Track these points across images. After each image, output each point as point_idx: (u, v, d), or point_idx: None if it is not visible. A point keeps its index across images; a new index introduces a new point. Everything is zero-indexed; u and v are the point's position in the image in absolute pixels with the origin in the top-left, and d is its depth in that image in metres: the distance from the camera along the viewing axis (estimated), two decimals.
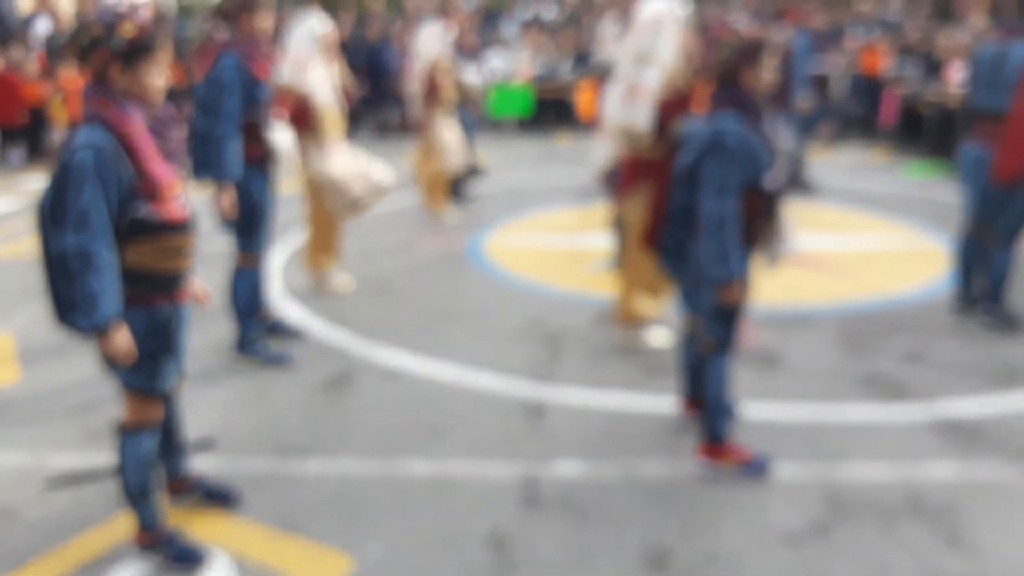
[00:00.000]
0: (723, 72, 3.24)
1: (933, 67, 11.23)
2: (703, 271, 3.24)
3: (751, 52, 3.20)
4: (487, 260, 6.58)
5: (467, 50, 9.31)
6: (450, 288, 5.90)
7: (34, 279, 6.01)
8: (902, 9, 14.64)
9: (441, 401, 4.12)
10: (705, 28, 3.35)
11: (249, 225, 4.47)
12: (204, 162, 4.21)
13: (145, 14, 2.65)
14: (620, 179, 4.62)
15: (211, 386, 4.30)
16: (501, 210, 8.20)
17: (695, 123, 3.38)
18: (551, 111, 13.99)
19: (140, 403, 2.80)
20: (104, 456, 3.55)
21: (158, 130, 2.69)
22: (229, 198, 4.25)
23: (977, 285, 5.10)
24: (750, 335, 4.63)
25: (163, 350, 2.77)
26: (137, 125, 2.62)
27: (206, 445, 3.68)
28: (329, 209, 5.53)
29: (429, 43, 7.48)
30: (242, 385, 4.34)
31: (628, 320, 4.71)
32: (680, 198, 3.35)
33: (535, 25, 14.93)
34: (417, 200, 8.12)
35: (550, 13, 15.89)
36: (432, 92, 7.43)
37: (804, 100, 8.44)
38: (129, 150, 2.59)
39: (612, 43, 6.08)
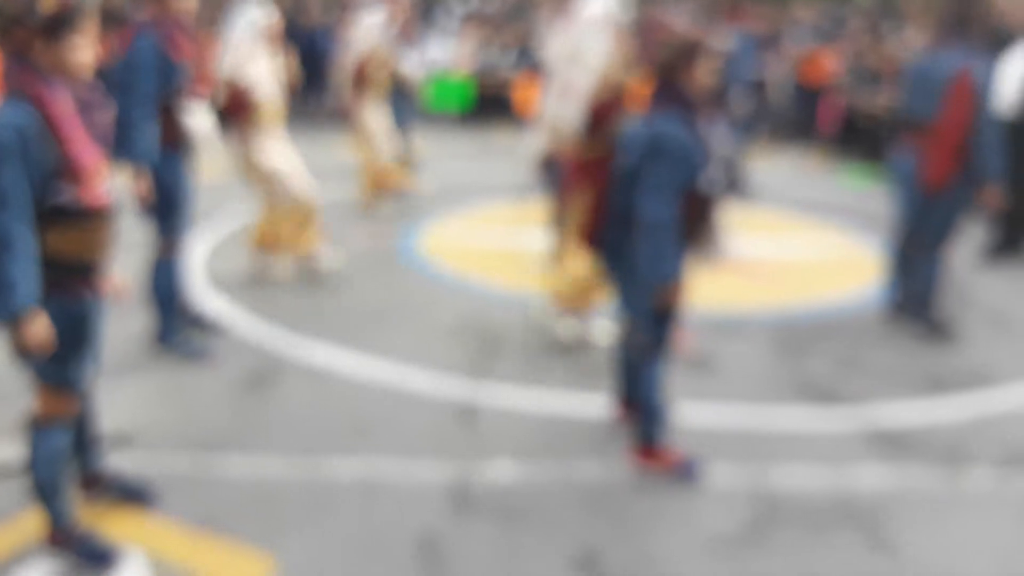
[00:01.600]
0: (662, 72, 3.29)
1: (871, 77, 11.57)
2: (639, 272, 3.29)
3: (689, 52, 3.25)
4: (421, 256, 6.56)
5: (407, 39, 9.26)
6: (383, 283, 5.86)
7: None
8: (841, 18, 15.02)
9: (370, 400, 4.09)
10: (645, 28, 3.39)
11: (165, 210, 4.36)
12: (119, 145, 4.10)
13: None
14: (565, 179, 4.66)
15: (128, 379, 4.20)
16: (436, 204, 8.17)
17: (634, 123, 3.42)
18: (491, 105, 13.98)
19: (53, 396, 2.72)
20: (13, 450, 3.44)
21: (84, 110, 2.61)
22: (145, 182, 4.14)
23: (906, 293, 5.27)
24: (685, 339, 4.70)
25: (79, 342, 2.70)
26: (62, 104, 2.54)
27: (122, 440, 3.58)
28: (275, 199, 5.50)
29: (368, 32, 7.43)
30: (161, 379, 4.25)
31: (569, 317, 4.74)
32: (620, 198, 3.38)
33: (477, 17, 14.91)
34: (349, 192, 8.04)
35: (492, 5, 15.89)
36: (360, 81, 7.38)
37: (740, 102, 8.62)
38: (53, 130, 2.51)
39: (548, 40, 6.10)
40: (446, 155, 11.01)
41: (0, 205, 2.41)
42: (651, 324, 3.38)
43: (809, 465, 3.59)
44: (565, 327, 4.82)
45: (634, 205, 3.29)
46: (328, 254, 5.93)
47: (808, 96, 12.29)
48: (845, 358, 4.75)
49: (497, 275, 6.09)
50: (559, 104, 4.41)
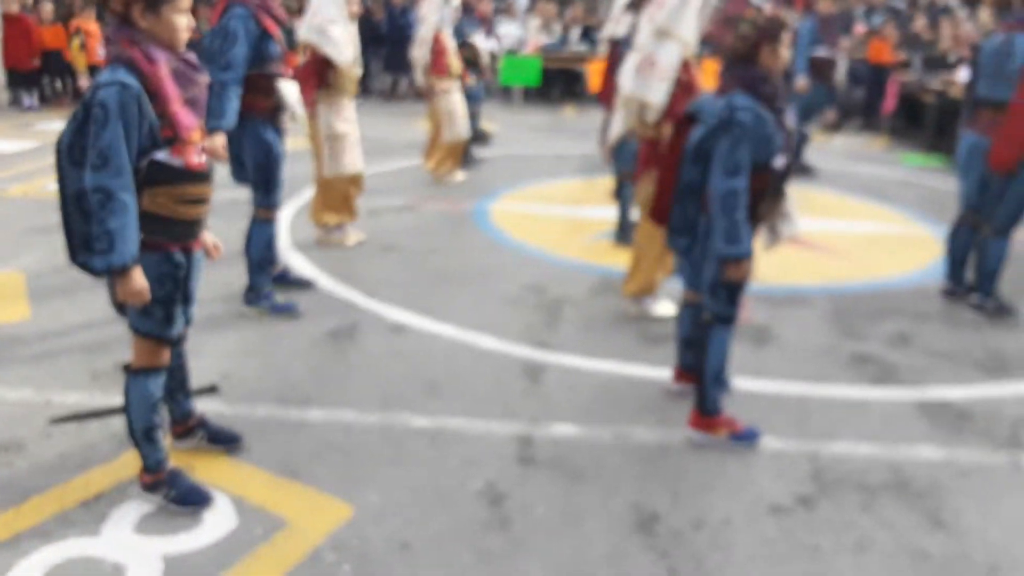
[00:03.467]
0: (741, 50, 3.14)
1: (936, 57, 11.13)
2: (714, 247, 3.20)
3: (772, 30, 3.11)
4: (492, 224, 6.53)
5: (479, 16, 9.18)
6: (454, 250, 5.86)
7: (44, 218, 5.97)
8: None
9: (442, 358, 4.09)
10: (727, 6, 3.25)
11: (267, 178, 4.39)
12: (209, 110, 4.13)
13: None
14: (639, 157, 4.56)
15: (218, 333, 4.27)
16: (506, 177, 8.13)
17: (706, 100, 3.31)
18: (559, 81, 13.86)
19: (148, 347, 2.76)
20: (110, 396, 3.53)
21: (182, 75, 2.61)
22: (221, 141, 4.09)
23: (969, 273, 5.06)
24: (744, 311, 4.60)
25: (174, 296, 2.73)
26: (162, 67, 2.54)
27: (211, 390, 3.65)
28: (329, 166, 5.49)
29: (429, 11, 7.38)
30: (248, 333, 4.31)
31: (639, 292, 4.67)
32: (689, 174, 3.29)
33: None
34: (421, 162, 8.05)
35: None
36: (437, 59, 7.33)
37: (802, 81, 8.35)
38: (153, 92, 2.51)
39: (620, 18, 5.96)
40: (516, 130, 10.94)
41: (101, 163, 2.43)
42: (721, 297, 3.29)
43: (865, 439, 3.48)
44: (639, 305, 4.71)
45: (706, 180, 3.20)
46: (354, 231, 5.90)
47: (872, 76, 11.87)
48: (904, 335, 4.59)
49: (563, 246, 6.03)
50: (640, 79, 4.28)
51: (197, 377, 3.57)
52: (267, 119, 4.33)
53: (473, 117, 8.42)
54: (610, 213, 6.62)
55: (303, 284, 4.95)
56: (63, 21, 11.43)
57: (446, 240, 6.08)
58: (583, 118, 12.36)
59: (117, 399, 3.49)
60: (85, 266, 2.61)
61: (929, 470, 3.28)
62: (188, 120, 2.61)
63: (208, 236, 2.90)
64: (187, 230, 2.72)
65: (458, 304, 4.79)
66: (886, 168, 9.35)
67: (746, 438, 3.39)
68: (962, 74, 9.56)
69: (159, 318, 2.72)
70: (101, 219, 2.44)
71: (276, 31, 4.26)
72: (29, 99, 11.58)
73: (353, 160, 5.51)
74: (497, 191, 7.57)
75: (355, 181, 5.64)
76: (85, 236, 2.55)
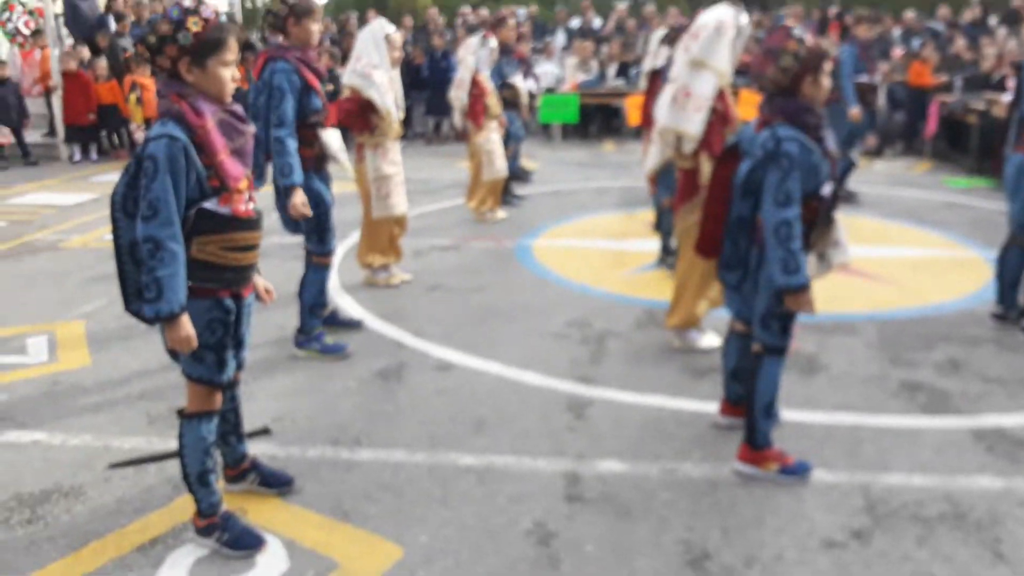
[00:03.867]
0: (783, 81, 3.10)
1: (979, 77, 10.95)
2: (767, 279, 3.15)
3: (814, 61, 3.07)
4: (535, 260, 6.54)
5: (517, 57, 9.30)
6: (498, 287, 5.87)
7: (103, 267, 6.13)
8: (954, 22, 14.26)
9: (488, 396, 4.09)
10: (767, 36, 3.21)
11: (319, 226, 4.46)
12: (275, 169, 4.20)
13: (210, 10, 2.62)
14: (678, 187, 4.55)
15: (270, 375, 4.32)
16: (548, 213, 8.15)
17: (747, 132, 3.29)
18: (597, 117, 13.93)
19: (201, 392, 2.80)
20: (166, 440, 3.58)
21: (228, 126, 2.68)
22: (300, 198, 4.16)
23: (1021, 296, 4.93)
24: (793, 341, 4.52)
25: (224, 342, 2.77)
26: (208, 120, 2.61)
27: (264, 432, 3.69)
28: (377, 208, 5.56)
29: (466, 54, 7.51)
30: (299, 375, 4.36)
31: (682, 324, 4.63)
32: (739, 208, 3.24)
33: (582, 34, 14.84)
34: (464, 202, 8.12)
35: (597, 23, 15.80)
36: (476, 101, 7.43)
37: (855, 110, 8.26)
38: (201, 144, 2.58)
39: (657, 52, 6.02)
40: (557, 166, 10.98)
41: (151, 214, 2.49)
42: (772, 328, 3.24)
43: (920, 470, 3.38)
44: (684, 337, 4.67)
45: (756, 213, 3.17)
46: (399, 271, 5.95)
47: (914, 99, 11.71)
48: (955, 361, 4.47)
49: (606, 280, 6.01)
50: (675, 111, 4.29)
51: (250, 419, 3.61)
52: (313, 168, 4.39)
53: (513, 156, 8.49)
54: (651, 246, 6.59)
55: (352, 325, 5.00)
56: (117, 77, 11.81)
57: (490, 277, 6.10)
58: (622, 152, 12.39)
59: (173, 443, 3.55)
60: (137, 313, 2.68)
61: (987, 501, 3.17)
62: (235, 170, 2.66)
63: (260, 280, 2.95)
64: (237, 276, 2.77)
65: (503, 341, 4.79)
66: (930, 192, 9.19)
67: (797, 472, 3.32)
68: (1007, 94, 9.39)
69: (210, 363, 2.77)
70: (151, 268, 2.50)
71: (317, 84, 4.33)
72: (79, 153, 11.94)
73: (399, 201, 5.58)
74: (540, 227, 7.60)
75: (400, 222, 5.71)
76: (137, 284, 2.62)
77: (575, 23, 15.95)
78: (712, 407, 3.85)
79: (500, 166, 7.67)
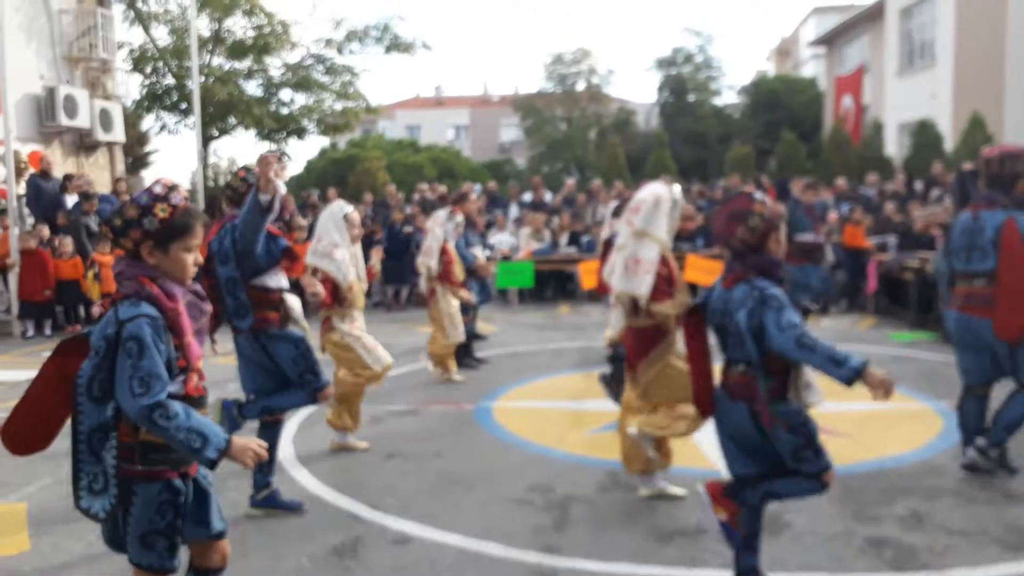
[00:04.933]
0: (752, 241, 3.30)
1: (911, 237, 11.51)
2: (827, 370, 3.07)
3: (776, 221, 3.32)
4: (495, 422, 6.46)
5: (476, 230, 9.71)
6: (458, 452, 5.76)
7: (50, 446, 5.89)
8: (876, 183, 15.14)
9: (448, 571, 3.91)
10: (729, 201, 3.44)
11: (309, 363, 4.62)
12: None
13: (180, 196, 2.66)
14: (630, 349, 4.68)
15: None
16: (507, 375, 8.15)
17: (715, 292, 3.41)
18: (552, 282, 14.30)
19: None
20: None
21: (194, 306, 2.68)
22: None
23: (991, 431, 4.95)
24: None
25: (176, 525, 2.65)
26: (178, 301, 2.61)
27: None
28: (358, 370, 5.65)
29: (435, 225, 7.91)
30: (252, 556, 4.14)
31: (644, 469, 4.68)
32: (743, 353, 3.28)
33: (534, 207, 15.47)
34: (425, 365, 8.12)
35: (548, 196, 16.52)
36: (447, 268, 7.73)
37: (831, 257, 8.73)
38: (171, 327, 2.56)
39: (609, 223, 6.39)
40: (514, 329, 11.09)
41: (144, 390, 2.44)
42: (808, 457, 3.27)
43: None
44: (652, 484, 4.74)
45: (756, 355, 3.21)
46: (356, 440, 5.88)
47: (854, 259, 12.23)
48: (918, 514, 4.43)
49: (567, 440, 5.94)
50: (627, 277, 4.54)
51: None
52: (281, 327, 4.58)
53: (471, 320, 8.67)
54: (611, 405, 6.56)
55: (295, 507, 4.75)
56: (82, 254, 11.87)
57: (450, 442, 5.99)
58: (577, 314, 12.59)
59: None
60: (87, 512, 2.56)
61: None
62: (198, 350, 2.66)
63: (252, 441, 2.71)
64: (185, 455, 2.67)
65: (464, 509, 4.65)
66: (877, 346, 9.41)
67: None
68: (935, 254, 9.87)
69: (160, 549, 2.63)
70: (177, 426, 2.45)
71: (276, 231, 4.57)
72: (32, 329, 11.84)
73: (384, 353, 5.70)
74: (499, 389, 7.57)
75: (378, 377, 5.75)
76: (180, 446, 2.51)
77: (527, 197, 16.62)
78: (680, 573, 3.73)
79: (460, 331, 7.83)
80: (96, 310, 11.20)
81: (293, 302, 4.63)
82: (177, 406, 2.48)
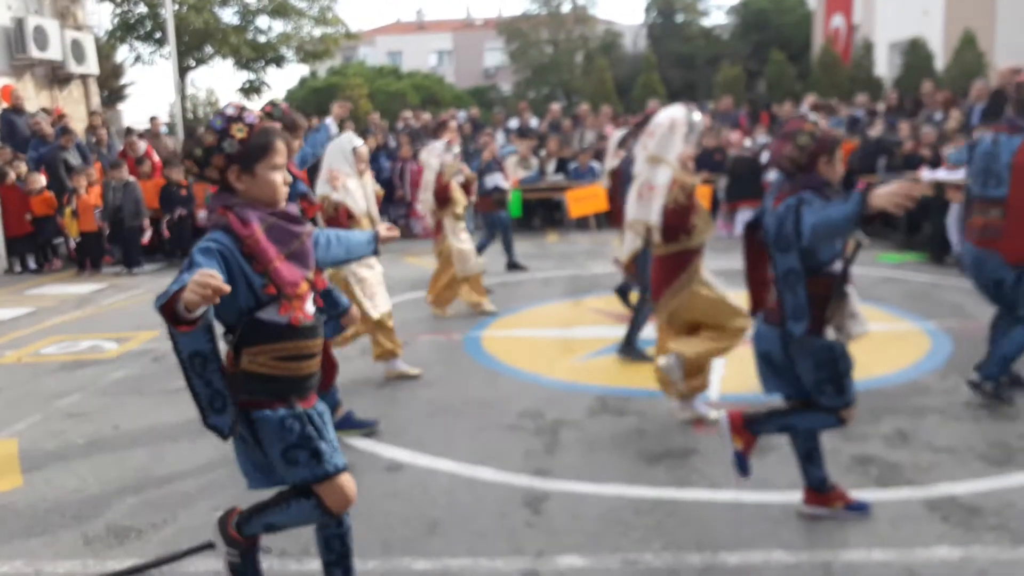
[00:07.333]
0: (800, 159, 3.28)
1: (900, 158, 11.45)
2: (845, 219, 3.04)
3: (829, 143, 3.28)
4: (484, 352, 6.50)
5: (491, 157, 9.55)
6: (448, 381, 5.80)
7: (37, 383, 5.91)
8: (864, 104, 14.99)
9: (441, 495, 3.97)
10: (784, 125, 3.43)
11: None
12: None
13: (253, 116, 2.57)
14: (654, 278, 4.69)
15: (212, 488, 4.15)
16: (496, 304, 8.15)
17: (769, 206, 3.41)
18: (539, 211, 14.22)
19: (325, 488, 2.68)
20: (103, 563, 3.39)
21: (279, 229, 2.58)
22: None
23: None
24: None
25: (307, 433, 2.62)
26: (256, 227, 2.51)
27: (207, 547, 3.51)
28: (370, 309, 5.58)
29: (431, 158, 7.63)
30: (240, 483, 4.18)
31: (684, 393, 4.72)
32: (782, 262, 3.30)
33: (521, 134, 15.24)
34: (417, 296, 8.08)
35: (534, 123, 16.27)
36: (443, 200, 7.52)
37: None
38: (251, 254, 2.49)
39: (615, 153, 6.54)
40: (503, 257, 11.06)
41: (174, 284, 2.30)
42: (828, 391, 3.39)
43: (878, 545, 3.35)
44: (689, 409, 4.78)
45: (803, 262, 3.25)
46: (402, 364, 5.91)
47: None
48: (904, 432, 4.51)
49: (557, 367, 5.99)
50: (640, 204, 4.55)
51: (193, 531, 3.45)
52: None
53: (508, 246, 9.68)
54: (600, 332, 6.62)
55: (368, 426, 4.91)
56: (57, 189, 11.71)
57: (440, 371, 6.03)
58: (565, 243, 12.57)
59: (112, 565, 3.37)
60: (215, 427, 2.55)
61: (947, 571, 3.15)
62: (292, 275, 2.56)
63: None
64: (289, 387, 2.63)
65: (455, 436, 4.70)
66: (866, 268, 9.43)
67: (859, 508, 3.55)
68: (925, 173, 9.82)
69: (305, 460, 2.61)
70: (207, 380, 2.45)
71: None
72: (18, 265, 11.76)
73: (382, 301, 5.58)
74: (488, 319, 7.58)
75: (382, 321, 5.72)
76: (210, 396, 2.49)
77: (513, 123, 16.37)
78: (669, 493, 3.80)
79: (475, 262, 7.65)
80: (73, 246, 11.17)
81: None
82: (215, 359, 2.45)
